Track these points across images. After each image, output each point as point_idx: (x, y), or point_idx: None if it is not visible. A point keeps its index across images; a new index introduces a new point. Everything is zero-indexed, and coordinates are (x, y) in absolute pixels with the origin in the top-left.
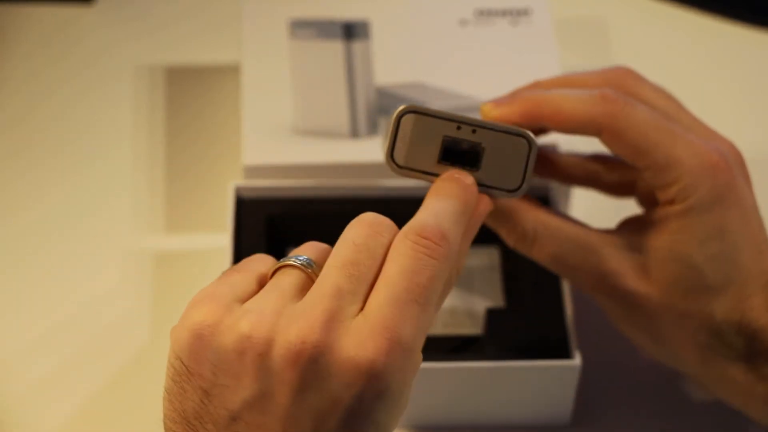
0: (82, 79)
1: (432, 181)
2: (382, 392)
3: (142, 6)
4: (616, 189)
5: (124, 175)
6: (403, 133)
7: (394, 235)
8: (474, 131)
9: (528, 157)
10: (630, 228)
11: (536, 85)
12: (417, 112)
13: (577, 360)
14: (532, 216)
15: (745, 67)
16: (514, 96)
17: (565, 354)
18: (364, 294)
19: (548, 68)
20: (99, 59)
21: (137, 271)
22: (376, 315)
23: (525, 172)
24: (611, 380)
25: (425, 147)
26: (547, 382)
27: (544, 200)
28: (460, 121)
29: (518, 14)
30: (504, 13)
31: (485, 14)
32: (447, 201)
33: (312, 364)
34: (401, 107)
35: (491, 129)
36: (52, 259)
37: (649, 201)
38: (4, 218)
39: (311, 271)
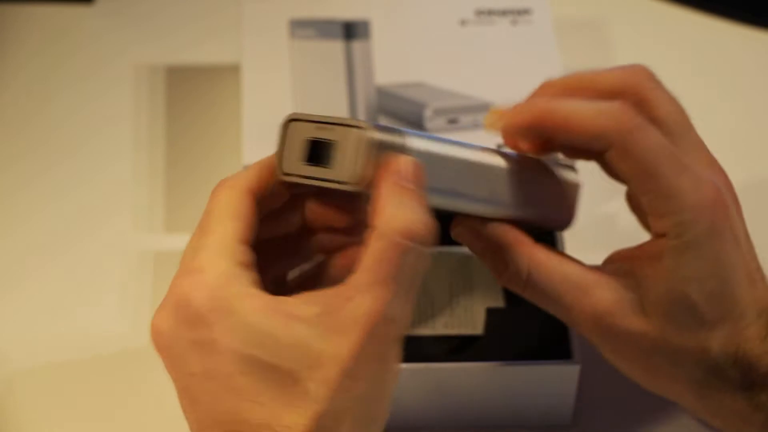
0: (82, 78)
1: (316, 186)
2: (195, 313)
3: (142, 6)
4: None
5: (124, 174)
6: (288, 141)
7: None
8: (331, 130)
9: (363, 147)
10: (623, 264)
11: (547, 86)
12: (294, 119)
13: (577, 360)
14: (527, 255)
15: (745, 67)
16: (522, 106)
17: (566, 354)
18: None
19: (548, 68)
20: (99, 59)
21: (138, 271)
22: (181, 265)
23: (358, 163)
24: (612, 381)
25: (296, 152)
26: (548, 382)
27: None
28: (319, 122)
29: (518, 14)
30: (504, 12)
31: (485, 14)
32: None
33: (160, 339)
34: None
35: (336, 124)
36: (52, 258)
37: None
38: (5, 218)
39: None
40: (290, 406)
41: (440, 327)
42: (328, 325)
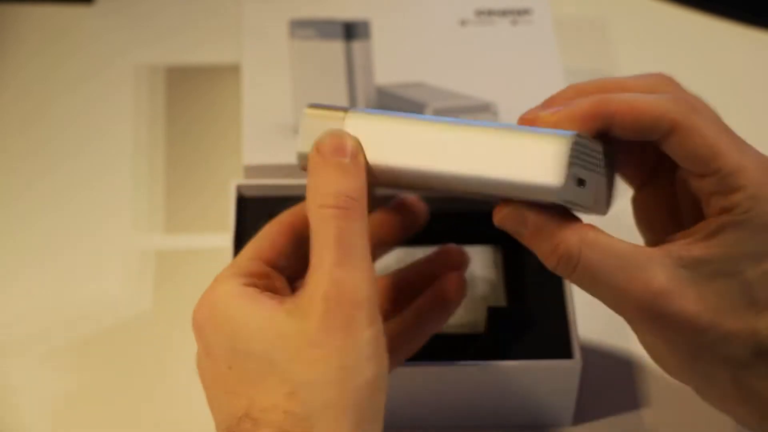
0: (83, 78)
1: None
2: (197, 318)
3: (142, 6)
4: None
5: (124, 174)
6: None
7: None
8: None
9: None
10: (678, 243)
11: (574, 87)
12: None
13: (578, 359)
14: (578, 234)
15: (745, 67)
16: (577, 99)
17: (567, 353)
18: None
19: (548, 68)
20: (99, 59)
21: (139, 271)
22: None
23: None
24: (613, 380)
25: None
26: (549, 381)
27: None
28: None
29: (518, 14)
30: (504, 12)
31: (485, 14)
32: None
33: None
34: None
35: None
36: (53, 258)
37: (655, 222)
38: (5, 218)
39: None
40: (265, 390)
41: None
42: (292, 306)
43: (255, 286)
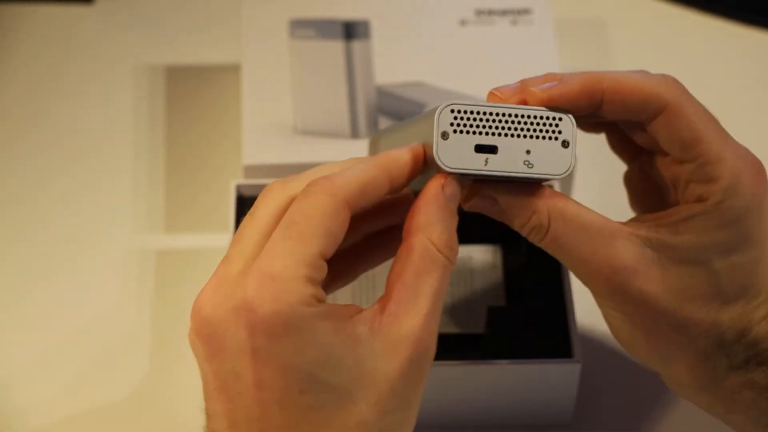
0: (83, 79)
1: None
2: (261, 323)
3: (142, 6)
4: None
5: (125, 174)
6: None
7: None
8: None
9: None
10: (647, 223)
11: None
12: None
13: (578, 359)
14: (548, 203)
15: (745, 67)
16: (566, 75)
17: (567, 353)
18: (247, 253)
19: (548, 68)
20: (99, 59)
21: (139, 270)
22: (254, 264)
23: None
24: (613, 379)
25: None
26: (548, 381)
27: None
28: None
29: (519, 14)
30: (504, 12)
31: (485, 14)
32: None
33: (209, 330)
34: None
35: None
36: (53, 258)
37: (643, 198)
38: (5, 218)
39: None
40: (341, 427)
41: (441, 325)
42: (377, 344)
43: (322, 299)
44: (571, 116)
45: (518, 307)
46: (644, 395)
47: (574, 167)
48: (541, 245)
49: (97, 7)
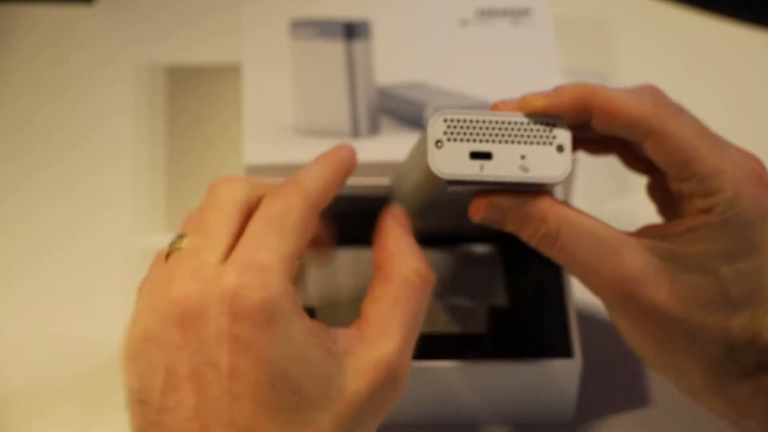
0: (83, 78)
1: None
2: (247, 310)
3: (142, 6)
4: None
5: (125, 174)
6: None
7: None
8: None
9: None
10: (654, 233)
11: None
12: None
13: (578, 359)
14: (556, 212)
15: (745, 67)
16: (560, 87)
17: (567, 353)
18: (222, 245)
19: (549, 68)
20: (99, 59)
21: (139, 271)
22: (235, 253)
23: None
24: (614, 379)
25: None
26: (549, 381)
27: None
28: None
29: (519, 14)
30: (505, 12)
31: (486, 14)
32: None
33: (189, 317)
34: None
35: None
36: (53, 258)
37: (669, 206)
38: (5, 218)
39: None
40: (301, 428)
41: (442, 325)
42: (350, 365)
43: (298, 299)
44: (564, 122)
45: (519, 307)
46: (644, 395)
47: (571, 171)
48: (550, 255)
49: (97, 7)
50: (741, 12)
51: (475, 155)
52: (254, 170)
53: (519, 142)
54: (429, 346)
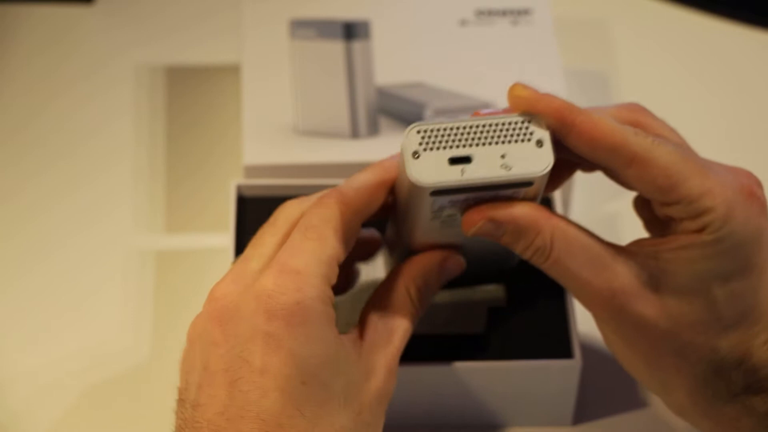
0: (82, 79)
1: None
2: (281, 310)
3: (142, 6)
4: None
5: (124, 175)
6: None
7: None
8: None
9: None
10: (647, 248)
11: None
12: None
13: (578, 359)
14: (551, 224)
15: (745, 67)
16: (548, 95)
17: (567, 353)
18: (267, 254)
19: (548, 68)
20: (99, 59)
21: (139, 270)
22: (274, 260)
23: None
24: (613, 379)
25: None
26: (549, 381)
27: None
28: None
29: (519, 14)
30: (504, 12)
31: (486, 14)
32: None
33: (227, 315)
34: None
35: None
36: (54, 258)
37: (657, 225)
38: (5, 218)
39: None
40: (327, 427)
41: (441, 326)
42: (361, 365)
43: (333, 302)
44: (540, 119)
45: (518, 307)
46: (644, 395)
47: (552, 164)
48: (543, 267)
49: (97, 7)
50: (741, 12)
51: (455, 160)
52: (254, 170)
53: (497, 143)
54: (429, 347)
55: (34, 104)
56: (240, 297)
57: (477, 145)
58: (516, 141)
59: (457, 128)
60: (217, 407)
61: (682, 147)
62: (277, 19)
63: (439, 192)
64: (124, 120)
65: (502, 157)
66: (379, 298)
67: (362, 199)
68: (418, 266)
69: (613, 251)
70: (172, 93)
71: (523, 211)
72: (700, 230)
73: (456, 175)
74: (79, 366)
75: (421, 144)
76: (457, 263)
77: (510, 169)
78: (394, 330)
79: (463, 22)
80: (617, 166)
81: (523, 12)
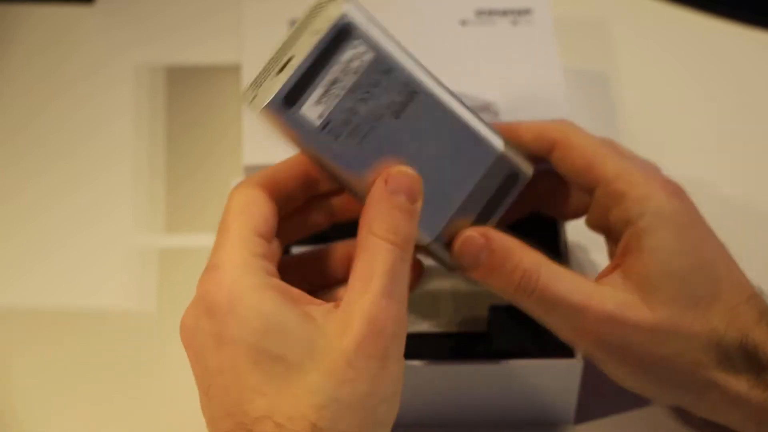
0: (83, 78)
1: None
2: (210, 307)
3: (142, 6)
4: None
5: (124, 175)
6: None
7: None
8: None
9: None
10: (613, 269)
11: None
12: None
13: (579, 358)
14: (532, 255)
15: (745, 67)
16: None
17: (568, 352)
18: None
19: (548, 68)
20: (99, 59)
21: (139, 270)
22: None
23: None
24: None
25: None
26: (551, 379)
27: None
28: None
29: (519, 14)
30: (505, 12)
31: (486, 14)
32: None
33: (189, 333)
34: None
35: None
36: (54, 258)
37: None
38: (6, 218)
39: None
40: (292, 397)
41: (443, 324)
42: (329, 327)
43: (271, 273)
44: None
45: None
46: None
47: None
48: (528, 301)
49: (97, 7)
50: (741, 12)
51: (281, 70)
52: (253, 170)
53: (308, 33)
54: (429, 346)
55: (34, 104)
56: (187, 314)
57: (292, 47)
58: (320, 16)
59: (276, 52)
60: (207, 418)
61: (604, 140)
62: (277, 19)
63: (289, 99)
64: (124, 120)
65: (313, 34)
66: (352, 258)
67: (266, 177)
68: (368, 206)
69: (594, 283)
70: (172, 93)
71: (508, 239)
72: (629, 220)
73: (286, 76)
74: (79, 366)
75: (253, 90)
76: (400, 174)
77: (318, 32)
78: (369, 277)
79: (463, 22)
80: (543, 153)
81: (523, 12)
